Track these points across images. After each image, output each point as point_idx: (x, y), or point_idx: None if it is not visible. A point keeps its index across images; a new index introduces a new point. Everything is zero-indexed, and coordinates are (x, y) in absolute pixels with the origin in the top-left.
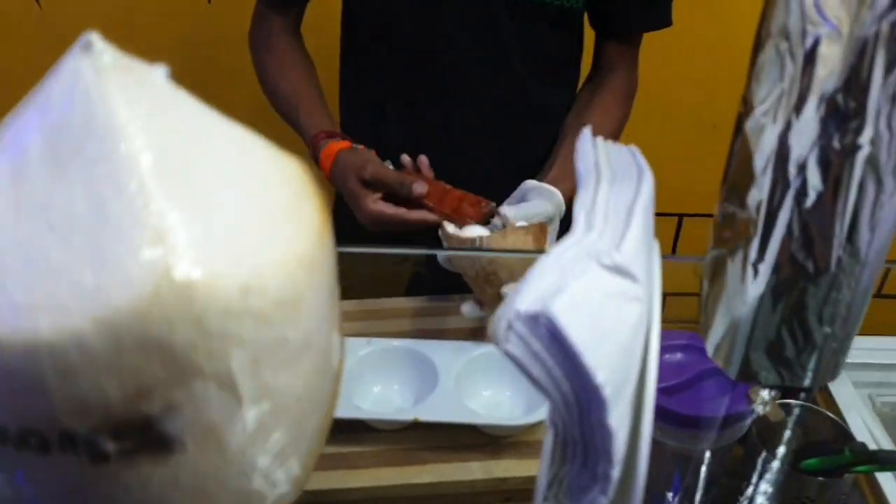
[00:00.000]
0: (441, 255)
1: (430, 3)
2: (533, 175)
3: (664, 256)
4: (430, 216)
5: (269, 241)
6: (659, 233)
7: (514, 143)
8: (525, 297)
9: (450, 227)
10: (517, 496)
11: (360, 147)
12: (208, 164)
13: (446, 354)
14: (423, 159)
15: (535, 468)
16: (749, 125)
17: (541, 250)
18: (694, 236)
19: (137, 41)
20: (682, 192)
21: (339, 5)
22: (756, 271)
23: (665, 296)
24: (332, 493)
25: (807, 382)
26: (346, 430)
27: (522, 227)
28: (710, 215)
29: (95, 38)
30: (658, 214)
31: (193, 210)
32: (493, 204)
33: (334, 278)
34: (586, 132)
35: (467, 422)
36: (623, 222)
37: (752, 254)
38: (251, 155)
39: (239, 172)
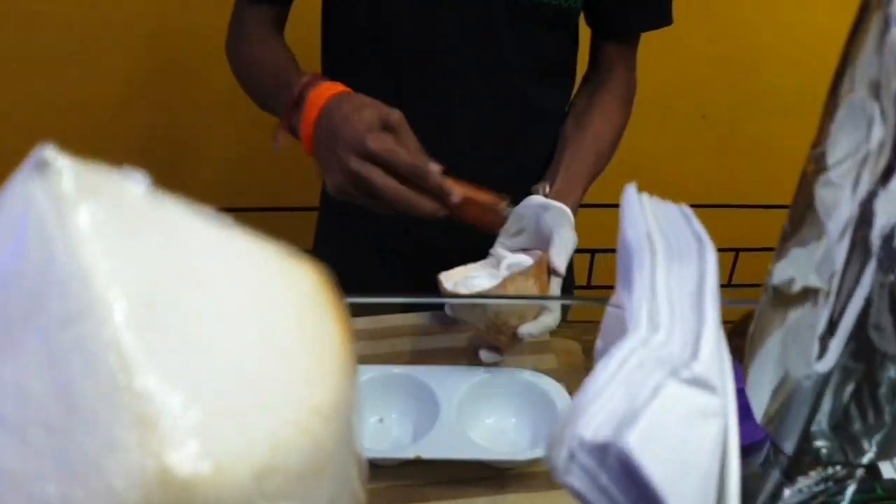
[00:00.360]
0: (448, 306)
1: (429, 4)
2: (531, 177)
3: None
4: (439, 210)
5: (283, 400)
6: None
7: (511, 144)
8: (589, 419)
9: (447, 284)
10: None
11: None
12: (203, 307)
13: (446, 380)
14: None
15: (542, 502)
16: (821, 187)
17: (543, 292)
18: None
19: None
20: (670, 182)
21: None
22: (824, 347)
23: None
24: None
25: (870, 458)
26: None
27: (521, 273)
28: (699, 206)
29: (51, 154)
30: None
31: (190, 379)
32: (507, 201)
33: (356, 403)
34: (630, 190)
35: (472, 458)
36: (693, 316)
37: (821, 327)
38: (254, 276)
39: (241, 308)
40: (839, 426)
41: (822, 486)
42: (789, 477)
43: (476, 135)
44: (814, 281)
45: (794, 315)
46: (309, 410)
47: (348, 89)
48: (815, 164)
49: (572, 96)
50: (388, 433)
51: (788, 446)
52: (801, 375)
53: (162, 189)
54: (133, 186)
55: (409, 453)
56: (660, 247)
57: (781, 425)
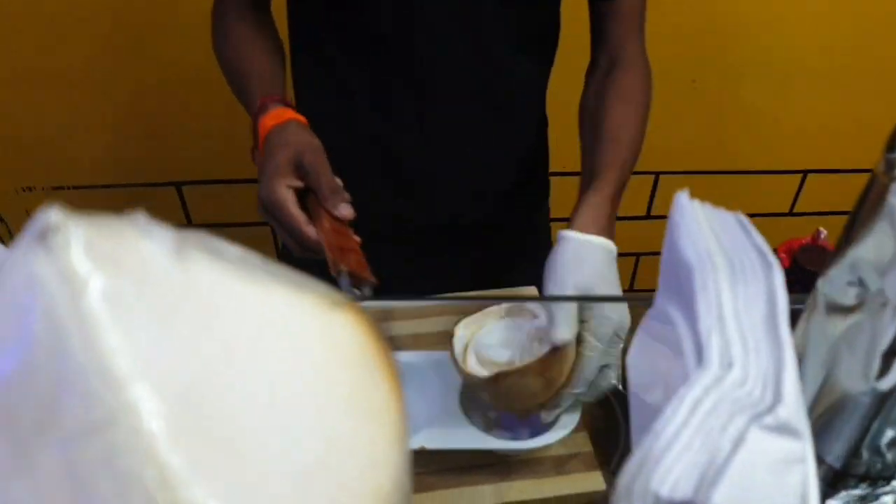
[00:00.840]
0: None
1: None
2: (519, 163)
3: (639, 217)
4: (318, 242)
5: (341, 492)
6: (634, 192)
7: (496, 124)
8: (665, 473)
9: (471, 365)
10: None
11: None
12: (245, 395)
13: (445, 366)
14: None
15: (549, 489)
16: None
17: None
18: (670, 195)
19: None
20: (659, 149)
21: None
22: (888, 365)
23: (638, 256)
24: None
25: None
26: None
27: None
28: (688, 172)
29: (57, 219)
30: (634, 172)
31: (241, 488)
32: (373, 281)
33: (411, 474)
34: (683, 198)
35: (478, 447)
36: (768, 347)
37: (885, 343)
38: (296, 343)
39: (287, 389)
40: (893, 444)
41: (862, 492)
42: (832, 486)
43: (459, 118)
44: (880, 292)
45: (850, 324)
46: (369, 497)
47: (296, 116)
48: (890, 169)
49: (587, 88)
50: None
51: (833, 458)
52: (855, 390)
53: (142, 167)
54: (152, 246)
55: (414, 444)
56: (721, 264)
57: (825, 435)
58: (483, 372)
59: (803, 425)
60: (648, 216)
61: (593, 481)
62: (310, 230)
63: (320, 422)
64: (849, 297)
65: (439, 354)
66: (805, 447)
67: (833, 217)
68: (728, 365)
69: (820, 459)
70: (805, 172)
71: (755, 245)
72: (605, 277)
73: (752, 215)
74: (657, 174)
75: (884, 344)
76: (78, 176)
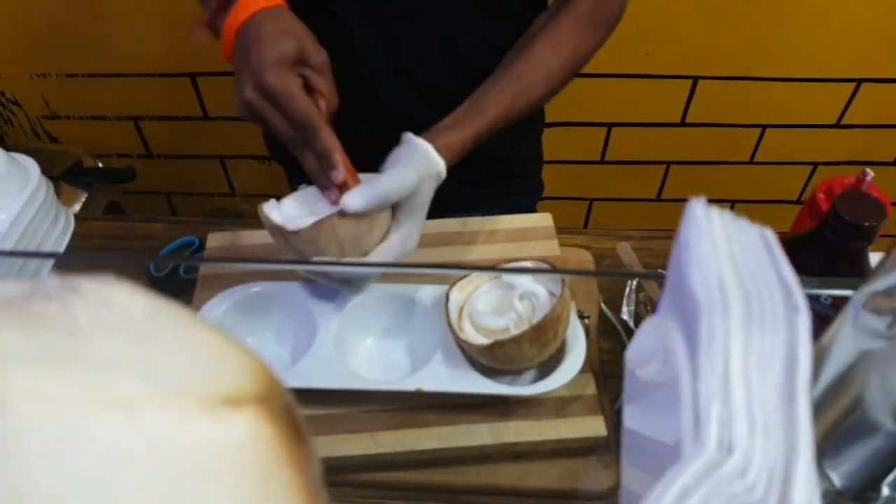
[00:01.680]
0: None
1: None
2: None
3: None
4: (331, 143)
5: None
6: (670, 97)
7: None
8: None
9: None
10: (527, 455)
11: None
12: None
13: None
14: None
15: (547, 430)
16: None
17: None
18: (710, 102)
19: None
20: (696, 52)
21: None
22: None
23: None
24: (327, 461)
25: None
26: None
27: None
28: (728, 78)
29: None
30: (669, 77)
31: None
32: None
33: None
34: (698, 207)
35: (476, 392)
36: (780, 426)
37: None
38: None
39: None
40: None
41: None
42: None
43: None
44: None
45: (883, 350)
46: None
47: (284, 3)
48: None
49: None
50: (386, 356)
51: (843, 482)
52: (884, 425)
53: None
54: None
55: (410, 385)
56: (735, 303)
57: (838, 452)
58: (479, 339)
59: None
60: (683, 123)
61: (594, 426)
62: (327, 129)
63: None
64: (882, 323)
65: (438, 289)
66: None
67: (884, 131)
68: (728, 448)
69: (821, 470)
70: (859, 81)
71: (780, 277)
72: (423, 195)
73: (796, 126)
74: (695, 79)
75: None
76: (91, 64)
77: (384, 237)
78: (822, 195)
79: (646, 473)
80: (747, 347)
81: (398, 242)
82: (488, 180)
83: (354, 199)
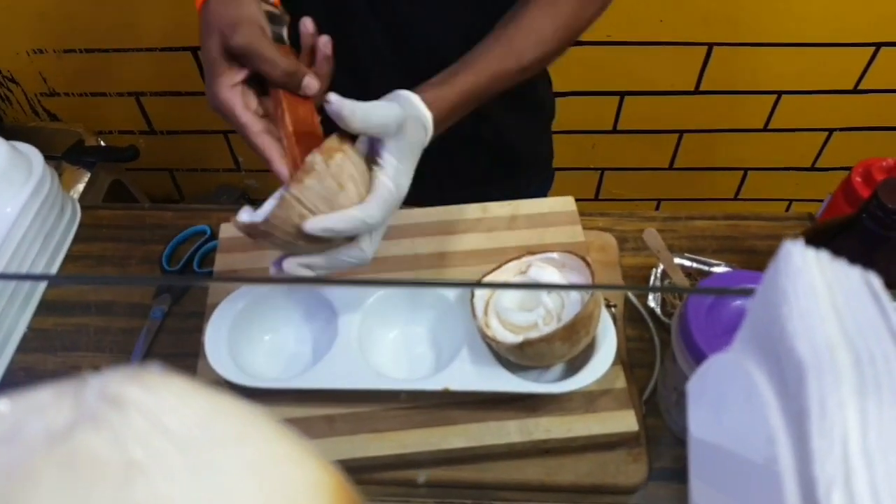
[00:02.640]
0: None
1: None
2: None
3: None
4: (273, 154)
5: None
6: (683, 64)
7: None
8: None
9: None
10: (556, 450)
11: None
12: None
13: (460, 293)
14: (325, 40)
15: (577, 427)
16: None
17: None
18: (724, 69)
19: None
20: (711, 16)
21: None
22: None
23: (681, 133)
24: (353, 461)
25: None
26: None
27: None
28: (745, 44)
29: None
30: (684, 43)
31: None
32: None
33: None
34: (796, 250)
35: (505, 390)
36: None
37: None
38: None
39: None
40: None
41: None
42: None
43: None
44: None
45: None
46: None
47: None
48: None
49: None
50: (410, 351)
51: None
52: None
53: None
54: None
55: (436, 385)
56: (845, 367)
57: None
58: (508, 337)
59: None
60: (697, 91)
61: (626, 421)
62: (262, 140)
63: None
64: None
65: (463, 289)
66: None
67: None
68: None
69: None
70: (878, 45)
71: (892, 331)
72: (408, 138)
73: (812, 92)
74: (710, 45)
75: None
76: (89, 39)
77: (371, 187)
78: (858, 178)
79: (718, 491)
80: (864, 417)
81: (391, 184)
82: (498, 178)
83: (350, 116)
